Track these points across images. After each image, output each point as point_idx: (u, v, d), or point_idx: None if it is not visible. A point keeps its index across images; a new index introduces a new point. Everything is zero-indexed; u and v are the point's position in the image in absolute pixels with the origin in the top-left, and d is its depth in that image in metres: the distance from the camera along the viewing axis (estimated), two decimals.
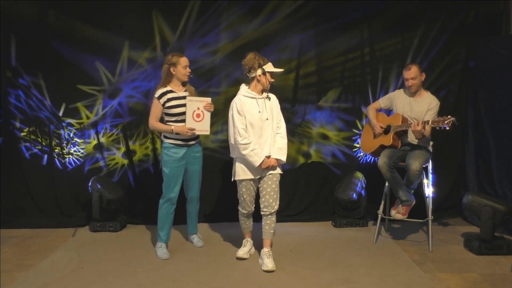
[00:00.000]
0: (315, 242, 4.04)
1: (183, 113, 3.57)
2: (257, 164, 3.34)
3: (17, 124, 4.52)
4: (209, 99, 3.61)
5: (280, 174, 3.49)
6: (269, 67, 3.38)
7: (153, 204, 4.60)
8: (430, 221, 3.84)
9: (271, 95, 3.50)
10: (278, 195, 3.47)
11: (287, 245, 3.93)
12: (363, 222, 4.44)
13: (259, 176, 3.46)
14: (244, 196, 3.49)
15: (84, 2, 4.36)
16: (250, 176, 3.42)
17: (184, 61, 3.61)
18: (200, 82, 4.46)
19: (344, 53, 4.61)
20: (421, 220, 3.92)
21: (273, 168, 3.43)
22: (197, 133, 3.61)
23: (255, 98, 3.40)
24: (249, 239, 3.71)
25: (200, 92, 4.29)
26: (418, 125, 3.62)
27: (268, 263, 3.41)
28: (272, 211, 3.44)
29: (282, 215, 4.58)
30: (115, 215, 4.43)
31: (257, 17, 4.50)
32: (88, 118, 4.54)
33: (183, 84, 3.69)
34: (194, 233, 3.99)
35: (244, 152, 3.34)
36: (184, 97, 3.61)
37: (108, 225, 4.32)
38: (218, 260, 3.62)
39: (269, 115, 3.41)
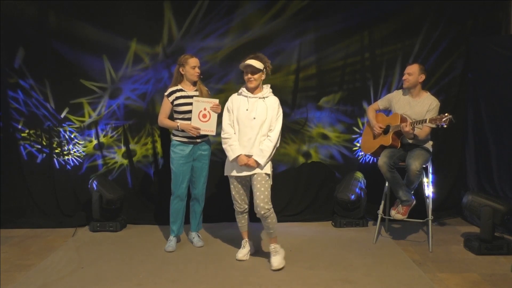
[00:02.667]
0: (315, 242, 4.04)
1: (190, 111, 3.70)
2: (230, 158, 3.39)
3: (18, 125, 4.52)
4: (216, 101, 3.69)
5: (267, 174, 3.38)
6: (243, 63, 3.37)
7: (153, 204, 4.62)
8: (430, 221, 3.84)
9: (271, 98, 3.45)
10: (267, 195, 3.37)
11: (287, 245, 3.92)
12: (363, 222, 4.44)
13: (245, 174, 3.41)
14: (233, 192, 3.54)
15: (86, 2, 4.35)
16: (235, 173, 3.44)
17: (192, 61, 3.73)
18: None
19: (344, 58, 4.61)
20: (421, 220, 3.92)
21: (256, 168, 3.36)
22: (202, 132, 3.71)
23: (246, 96, 3.42)
24: (247, 239, 3.69)
25: None
26: (406, 126, 3.65)
27: (273, 261, 3.42)
28: (262, 212, 3.35)
29: (282, 215, 4.60)
30: (115, 215, 4.43)
31: (260, 18, 4.49)
32: (90, 116, 4.54)
33: (194, 83, 3.81)
34: (195, 231, 4.00)
35: (223, 146, 3.45)
36: (193, 96, 3.73)
37: (108, 225, 4.33)
38: (218, 260, 3.62)
39: (258, 115, 3.37)
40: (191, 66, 3.72)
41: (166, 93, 3.76)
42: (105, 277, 3.32)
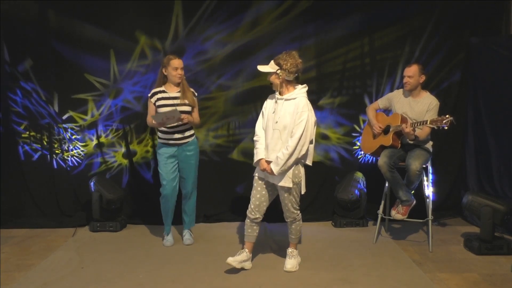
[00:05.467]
0: (315, 242, 4.04)
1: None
2: (254, 161, 3.33)
3: (18, 125, 4.51)
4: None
5: (288, 187, 3.23)
6: None
7: (153, 204, 4.61)
8: (430, 221, 3.84)
9: (298, 100, 3.18)
10: (290, 206, 3.31)
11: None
12: (363, 222, 4.44)
13: (266, 180, 3.33)
14: (252, 193, 3.39)
15: (89, 2, 4.35)
16: (258, 173, 3.37)
17: (174, 63, 3.71)
18: (202, 82, 4.49)
19: (344, 63, 4.60)
20: (421, 220, 3.92)
21: (279, 177, 3.21)
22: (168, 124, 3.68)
23: (275, 98, 3.29)
24: (248, 250, 3.42)
25: (202, 93, 4.34)
26: (407, 127, 3.64)
27: (287, 263, 3.41)
28: (289, 220, 3.38)
29: (282, 215, 4.59)
30: (115, 215, 4.43)
31: (262, 20, 4.49)
32: (92, 114, 4.54)
33: (178, 85, 3.78)
34: (187, 229, 4.04)
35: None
36: (175, 98, 3.74)
37: (108, 225, 4.33)
38: (218, 260, 3.60)
39: (280, 119, 3.19)
40: (173, 67, 3.69)
41: (149, 95, 3.80)
42: (105, 277, 3.32)
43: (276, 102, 3.26)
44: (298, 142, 3.14)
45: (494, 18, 4.58)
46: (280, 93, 3.27)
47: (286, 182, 3.23)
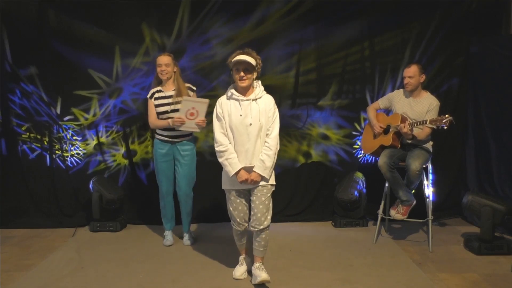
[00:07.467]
0: (315, 242, 4.04)
1: (165, 112, 3.72)
2: (230, 174, 2.99)
3: (18, 126, 4.52)
4: (206, 101, 3.65)
5: (272, 185, 3.08)
6: (233, 59, 2.93)
7: (153, 204, 4.62)
8: (430, 221, 3.84)
9: (265, 98, 3.04)
10: (270, 209, 3.07)
11: (287, 245, 3.93)
12: (363, 222, 4.44)
13: (248, 188, 3.07)
14: (231, 209, 3.14)
15: (90, 2, 4.35)
16: (236, 186, 3.06)
17: (158, 59, 3.77)
18: (200, 81, 4.49)
19: (344, 66, 4.61)
20: (421, 220, 3.92)
21: (257, 182, 3.00)
22: (185, 128, 3.68)
23: (238, 100, 3.00)
24: (246, 255, 3.38)
25: (202, 92, 4.34)
26: (404, 127, 3.65)
27: (261, 274, 3.09)
28: (261, 227, 3.04)
29: (282, 215, 4.61)
30: (115, 215, 4.44)
31: (265, 20, 4.49)
32: (94, 113, 4.54)
33: (167, 82, 3.79)
34: (185, 231, 4.03)
35: (219, 160, 3.05)
36: (170, 96, 3.75)
37: (108, 225, 4.33)
38: (218, 260, 3.62)
39: (254, 121, 2.96)
40: (157, 64, 3.74)
41: (148, 96, 3.82)
42: (105, 277, 3.32)
43: (240, 104, 3.00)
44: (278, 139, 3.05)
45: (494, 18, 4.58)
46: (241, 94, 3.01)
47: (271, 179, 3.07)
